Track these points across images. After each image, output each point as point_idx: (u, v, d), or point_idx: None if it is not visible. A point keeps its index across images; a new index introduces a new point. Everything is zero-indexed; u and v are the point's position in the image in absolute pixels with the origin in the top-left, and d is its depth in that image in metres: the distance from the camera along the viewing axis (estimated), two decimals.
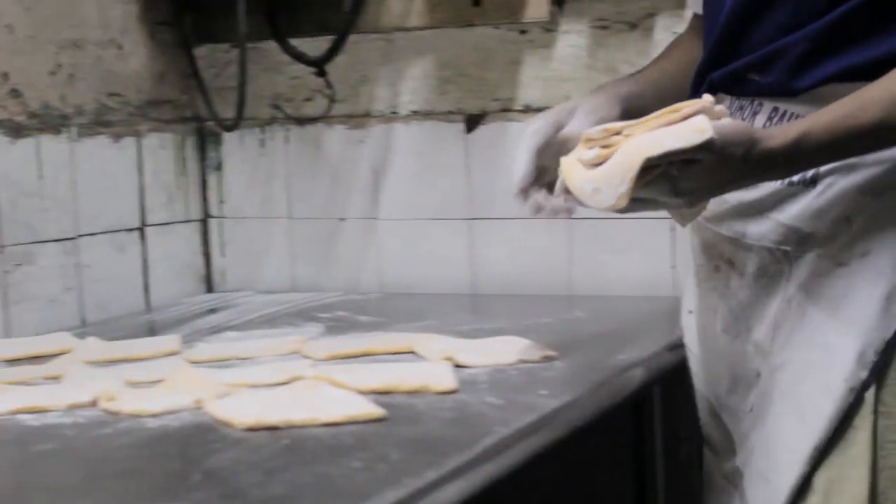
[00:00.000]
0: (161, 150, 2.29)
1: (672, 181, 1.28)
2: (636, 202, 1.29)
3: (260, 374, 1.53)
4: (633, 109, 1.51)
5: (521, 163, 1.48)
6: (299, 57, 2.22)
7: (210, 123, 2.34)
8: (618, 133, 1.30)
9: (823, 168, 1.35)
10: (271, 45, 2.24)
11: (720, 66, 1.44)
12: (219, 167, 2.39)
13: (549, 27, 2.13)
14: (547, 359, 1.59)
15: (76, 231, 2.10)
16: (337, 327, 1.92)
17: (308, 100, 2.31)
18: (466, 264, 2.22)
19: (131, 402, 1.41)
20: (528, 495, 1.37)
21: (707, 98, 1.30)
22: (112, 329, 1.97)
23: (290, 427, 1.30)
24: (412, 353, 1.66)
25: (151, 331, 2.01)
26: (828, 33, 1.34)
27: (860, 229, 1.36)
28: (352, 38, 2.18)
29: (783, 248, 1.40)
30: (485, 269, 2.22)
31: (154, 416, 1.37)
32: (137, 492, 1.12)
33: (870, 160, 1.35)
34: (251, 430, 1.30)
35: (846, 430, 1.35)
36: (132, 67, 2.23)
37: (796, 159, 1.31)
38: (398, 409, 1.37)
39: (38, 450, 1.28)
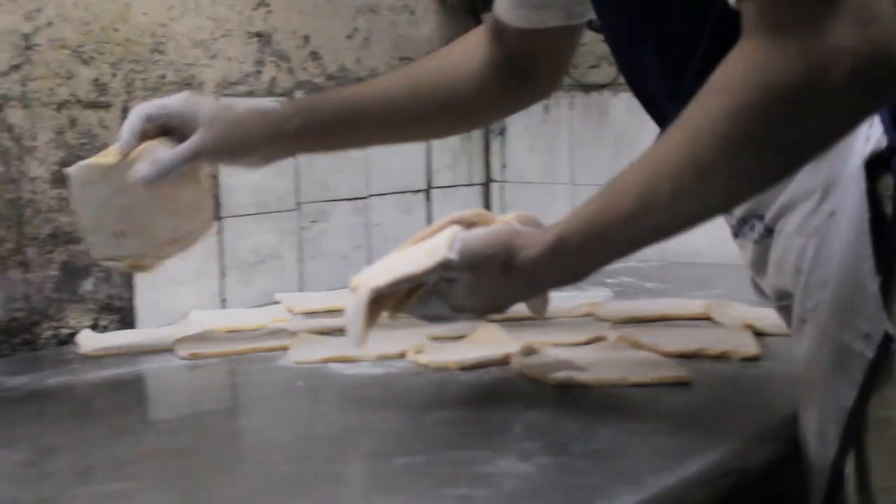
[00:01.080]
0: None
1: (445, 299, 1.21)
2: (429, 318, 1.23)
3: (561, 333, 1.55)
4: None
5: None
6: (588, 24, 2.22)
7: None
8: None
9: (769, 214, 1.17)
10: None
11: None
12: (502, 132, 2.43)
13: None
14: None
15: (367, 191, 2.16)
16: (624, 292, 1.93)
17: (594, 67, 2.32)
18: None
19: (439, 355, 1.44)
20: None
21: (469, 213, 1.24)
22: None
23: (601, 385, 1.31)
24: (708, 319, 1.66)
25: None
26: None
27: (808, 281, 1.14)
28: None
29: (781, 304, 1.22)
30: None
31: (463, 369, 1.40)
32: (461, 440, 1.14)
33: (800, 192, 1.14)
34: (561, 386, 1.32)
35: None
36: (423, 33, 2.28)
37: (561, 265, 1.15)
38: (703, 373, 1.37)
39: (359, 396, 1.33)
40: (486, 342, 1.49)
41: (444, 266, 1.17)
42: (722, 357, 1.44)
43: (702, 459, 1.08)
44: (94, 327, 1.72)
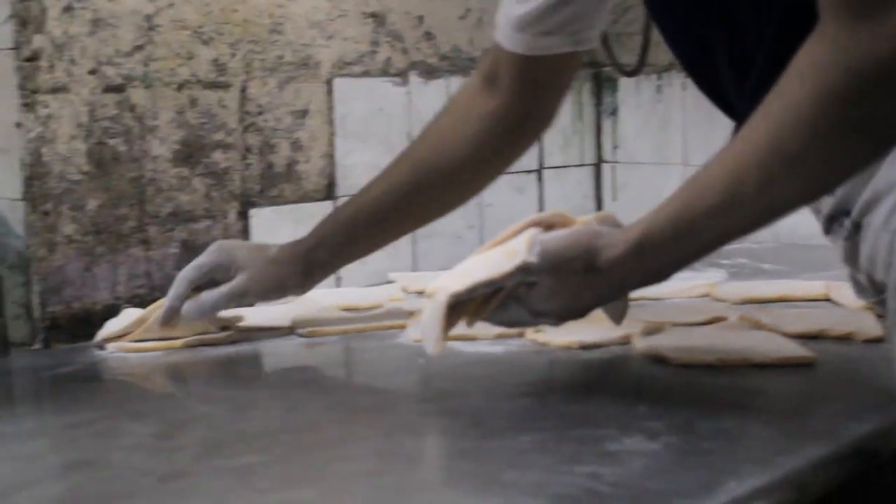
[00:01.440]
0: None
1: (524, 304, 1.18)
2: (505, 324, 1.23)
3: (680, 313, 1.55)
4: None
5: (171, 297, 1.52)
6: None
7: (607, 69, 2.36)
8: None
9: (855, 210, 1.14)
10: None
11: None
12: (614, 112, 2.42)
13: None
14: None
15: None
16: (739, 273, 1.91)
17: None
18: None
19: (559, 334, 1.44)
20: None
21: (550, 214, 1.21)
22: None
23: (723, 365, 1.31)
24: (828, 300, 1.64)
25: None
26: None
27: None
28: None
29: (880, 297, 1.18)
30: None
31: (584, 347, 1.40)
32: (587, 418, 1.14)
33: (883, 186, 1.11)
34: (684, 365, 1.31)
35: None
36: None
37: (645, 264, 1.13)
38: (827, 353, 1.36)
39: (479, 374, 1.34)
40: (606, 321, 1.48)
41: (524, 270, 1.15)
42: (846, 338, 1.42)
43: (830, 440, 1.07)
44: None
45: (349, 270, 1.89)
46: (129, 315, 1.56)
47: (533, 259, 1.15)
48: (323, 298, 1.75)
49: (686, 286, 1.73)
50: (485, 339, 1.45)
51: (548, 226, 1.20)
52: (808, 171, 1.02)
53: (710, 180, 1.07)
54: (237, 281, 1.51)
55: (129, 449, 1.11)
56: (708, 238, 1.11)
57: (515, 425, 1.13)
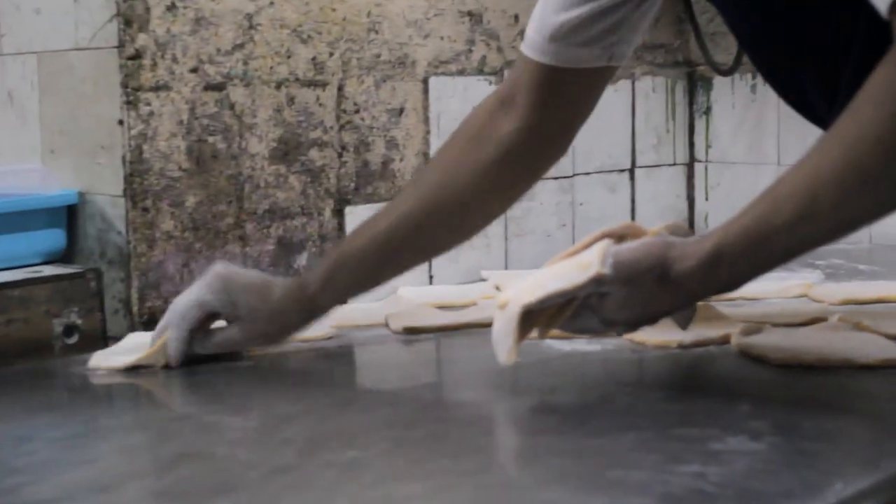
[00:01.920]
0: (652, 93, 2.32)
1: (596, 313, 1.18)
2: (577, 332, 1.23)
3: (779, 313, 1.54)
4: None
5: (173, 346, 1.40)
6: None
7: (701, 68, 2.35)
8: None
9: None
10: None
11: None
12: (707, 112, 2.40)
13: None
14: None
15: (573, 170, 2.16)
16: (836, 274, 1.89)
17: None
18: None
19: (657, 334, 1.43)
20: None
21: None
22: None
23: (825, 366, 1.30)
24: None
25: None
26: None
27: None
28: None
29: None
30: None
31: (682, 347, 1.40)
32: (688, 418, 1.14)
33: None
34: (784, 366, 1.30)
35: None
36: None
37: (718, 275, 1.14)
38: None
39: (577, 372, 1.34)
40: (703, 321, 1.48)
41: (598, 281, 1.16)
42: None
43: None
44: None
45: (441, 268, 1.90)
46: (133, 341, 1.52)
47: (607, 270, 1.16)
48: (416, 296, 1.76)
49: (783, 287, 1.72)
50: (581, 338, 1.45)
51: (619, 237, 1.21)
52: (884, 188, 1.06)
53: (786, 194, 1.10)
54: (238, 331, 1.42)
55: (233, 443, 1.12)
56: (781, 251, 1.13)
57: (616, 424, 1.13)
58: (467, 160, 1.44)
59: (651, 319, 1.21)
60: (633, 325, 1.22)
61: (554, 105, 1.43)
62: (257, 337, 1.43)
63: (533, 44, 1.40)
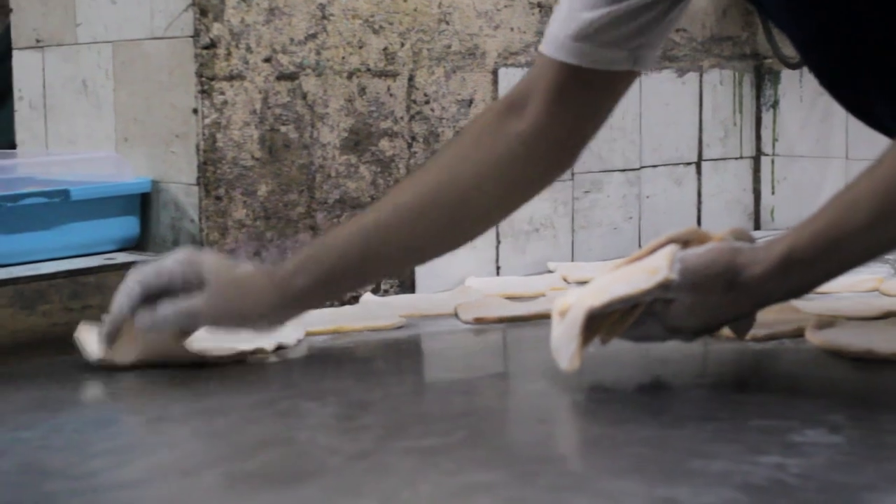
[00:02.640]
0: (720, 86, 2.31)
1: (660, 320, 1.18)
2: (640, 340, 1.21)
3: (852, 307, 1.53)
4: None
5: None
6: None
7: (768, 61, 2.34)
8: None
9: None
10: None
11: None
12: (774, 105, 2.39)
13: None
14: None
15: (639, 162, 2.16)
16: None
17: None
18: None
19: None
20: None
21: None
22: None
23: None
24: None
25: None
26: None
27: None
28: None
29: None
30: None
31: (756, 340, 1.39)
32: (766, 409, 1.14)
33: None
34: (860, 359, 1.30)
35: None
36: (699, 4, 2.26)
37: (789, 281, 1.15)
38: None
39: (649, 364, 1.33)
40: (777, 315, 1.47)
41: (665, 286, 1.16)
42: None
43: None
44: (376, 291, 1.76)
45: (508, 260, 1.91)
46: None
47: (675, 275, 1.16)
48: (484, 286, 1.77)
49: (854, 280, 1.71)
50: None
51: (684, 243, 1.20)
52: None
53: (858, 199, 1.10)
54: (200, 300, 1.31)
55: (313, 428, 1.13)
56: (853, 256, 1.14)
57: (694, 414, 1.13)
58: (470, 160, 1.39)
59: (715, 327, 1.22)
60: (698, 333, 1.22)
61: (569, 109, 1.38)
62: (208, 312, 1.31)
63: (556, 41, 1.35)
